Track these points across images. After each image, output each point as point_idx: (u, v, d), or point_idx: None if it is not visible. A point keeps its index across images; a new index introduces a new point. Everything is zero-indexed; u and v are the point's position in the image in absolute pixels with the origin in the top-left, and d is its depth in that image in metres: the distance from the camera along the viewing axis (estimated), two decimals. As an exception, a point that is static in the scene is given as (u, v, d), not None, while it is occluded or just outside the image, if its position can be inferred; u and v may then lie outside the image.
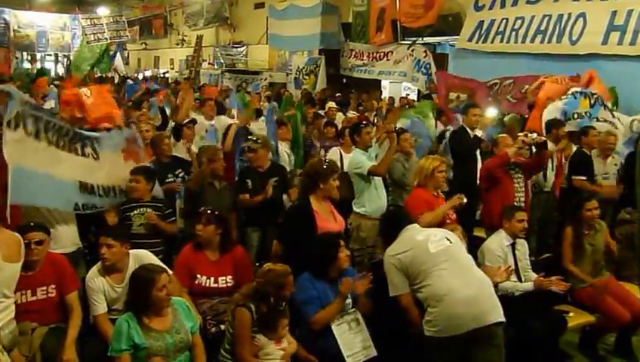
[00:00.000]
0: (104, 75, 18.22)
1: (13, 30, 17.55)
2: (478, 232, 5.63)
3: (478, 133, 6.36)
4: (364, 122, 6.30)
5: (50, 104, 8.78)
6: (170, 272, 3.64)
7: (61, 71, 22.12)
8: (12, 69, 16.70)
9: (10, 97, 4.28)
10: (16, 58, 19.44)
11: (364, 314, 3.90)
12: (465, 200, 4.89)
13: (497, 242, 4.69)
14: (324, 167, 4.43)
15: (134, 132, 5.49)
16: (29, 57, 22.32)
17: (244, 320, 3.46)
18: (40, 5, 21.64)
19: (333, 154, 6.41)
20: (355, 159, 5.57)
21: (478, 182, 5.84)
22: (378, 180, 5.66)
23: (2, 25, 17.41)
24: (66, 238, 4.42)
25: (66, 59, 22.98)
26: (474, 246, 4.70)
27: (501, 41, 10.15)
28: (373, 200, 5.58)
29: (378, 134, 6.09)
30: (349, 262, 3.99)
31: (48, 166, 4.38)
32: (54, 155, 4.45)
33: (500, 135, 6.07)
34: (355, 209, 5.56)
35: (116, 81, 18.17)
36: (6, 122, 4.22)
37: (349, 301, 3.86)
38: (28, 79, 14.22)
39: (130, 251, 3.94)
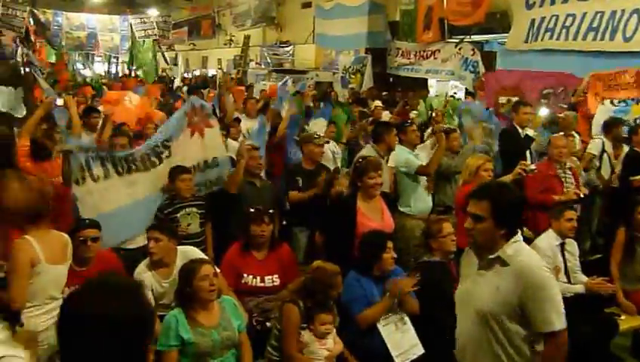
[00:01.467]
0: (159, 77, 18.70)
1: (66, 32, 18.14)
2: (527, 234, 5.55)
3: (530, 132, 6.18)
4: (408, 121, 6.30)
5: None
6: (218, 270, 3.69)
7: (113, 70, 22.85)
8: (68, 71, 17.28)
9: (72, 154, 4.47)
10: (72, 58, 20.09)
11: (411, 314, 3.88)
12: (532, 166, 4.86)
13: (546, 241, 4.63)
14: (357, 164, 4.47)
15: (197, 99, 5.43)
16: (82, 58, 23.10)
17: (292, 316, 3.50)
18: (92, 7, 22.35)
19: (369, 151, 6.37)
20: (401, 157, 5.56)
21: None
22: (424, 180, 5.65)
23: (56, 27, 18.01)
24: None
25: (116, 60, 23.68)
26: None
27: (551, 38, 9.89)
28: (419, 199, 5.58)
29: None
30: (393, 264, 3.96)
31: (122, 199, 4.61)
32: (128, 182, 4.66)
33: (554, 135, 5.92)
34: (400, 208, 5.56)
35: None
36: (74, 181, 4.44)
37: (395, 300, 3.84)
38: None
39: (178, 247, 4.04)
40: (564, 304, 4.09)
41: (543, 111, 8.11)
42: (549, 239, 4.64)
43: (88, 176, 4.49)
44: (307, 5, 19.61)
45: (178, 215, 4.70)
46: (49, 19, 17.76)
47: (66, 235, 3.58)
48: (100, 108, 7.52)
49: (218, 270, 3.71)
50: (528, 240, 4.87)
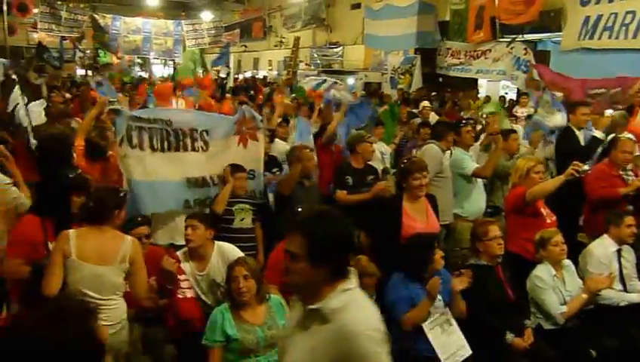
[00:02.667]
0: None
1: (123, 36, 18.73)
2: (582, 238, 5.40)
3: (597, 133, 5.89)
4: (463, 121, 6.20)
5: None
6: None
7: (166, 74, 23.47)
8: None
9: (118, 114, 4.63)
10: (130, 62, 20.76)
11: (458, 316, 3.84)
12: (586, 167, 4.66)
13: (602, 247, 4.52)
14: (402, 165, 4.45)
15: (248, 109, 5.45)
16: (141, 61, 23.85)
17: None
18: (148, 12, 22.99)
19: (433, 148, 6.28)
20: (458, 159, 5.52)
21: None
22: (480, 181, 5.59)
23: (114, 31, 18.62)
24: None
25: (172, 63, 24.33)
26: (578, 253, 4.58)
27: (609, 37, 9.59)
28: (473, 201, 5.52)
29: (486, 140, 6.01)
30: (442, 262, 3.93)
31: (153, 173, 4.69)
32: (159, 160, 4.74)
33: (622, 135, 5.69)
34: (452, 209, 5.52)
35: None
36: (119, 140, 4.60)
37: (441, 302, 3.80)
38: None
39: (216, 243, 4.10)
40: (618, 312, 4.05)
41: (608, 112, 7.75)
42: (604, 245, 4.53)
43: (126, 141, 4.62)
44: (356, 6, 19.64)
45: (233, 208, 4.82)
46: (108, 24, 18.42)
47: (129, 239, 3.51)
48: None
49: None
50: (584, 246, 4.80)
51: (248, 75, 24.74)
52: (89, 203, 3.52)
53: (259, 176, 5.31)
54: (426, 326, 3.71)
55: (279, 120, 7.50)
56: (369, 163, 5.78)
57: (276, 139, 6.89)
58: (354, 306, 1.99)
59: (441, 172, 5.41)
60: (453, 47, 14.01)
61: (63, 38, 18.24)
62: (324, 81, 11.90)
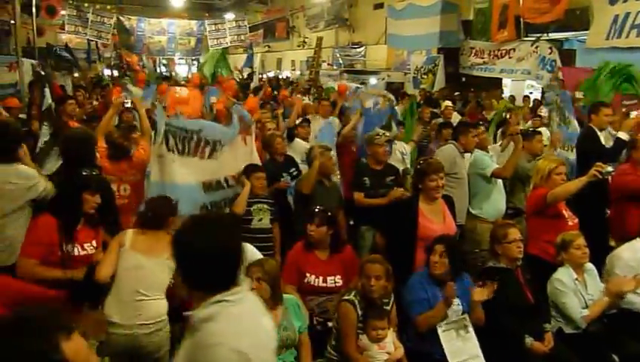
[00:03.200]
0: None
1: (148, 37, 18.97)
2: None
3: (623, 135, 5.75)
4: (479, 122, 6.17)
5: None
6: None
7: (185, 72, 23.74)
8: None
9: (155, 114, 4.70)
10: (153, 62, 21.02)
11: (475, 324, 3.78)
12: (609, 168, 4.54)
13: (631, 251, 4.43)
14: (418, 167, 4.42)
15: (240, 110, 5.52)
16: (166, 62, 24.12)
17: (347, 314, 3.51)
18: (173, 13, 23.26)
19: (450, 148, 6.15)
20: (478, 159, 5.48)
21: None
22: (499, 183, 5.53)
23: (140, 33, 18.87)
24: None
25: (196, 62, 24.54)
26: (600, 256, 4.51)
27: (637, 35, 9.42)
28: (492, 203, 5.46)
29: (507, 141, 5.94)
30: (441, 269, 3.79)
31: (174, 175, 4.76)
32: (180, 163, 4.80)
33: None
34: (471, 210, 5.47)
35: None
36: (159, 140, 4.69)
37: (459, 307, 3.75)
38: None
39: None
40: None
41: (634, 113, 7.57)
42: (635, 249, 4.45)
43: (164, 141, 4.70)
44: (379, 6, 19.57)
45: (252, 209, 4.87)
46: (133, 26, 18.67)
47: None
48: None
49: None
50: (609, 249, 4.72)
51: (271, 75, 24.84)
52: (147, 212, 3.76)
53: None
54: (440, 327, 3.67)
55: (299, 120, 7.51)
56: (389, 163, 5.74)
57: (296, 139, 6.90)
58: (224, 319, 1.88)
59: (456, 173, 5.36)
60: (477, 47, 13.87)
61: (90, 40, 18.57)
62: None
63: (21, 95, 8.81)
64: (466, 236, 5.32)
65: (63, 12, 17.81)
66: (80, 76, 16.35)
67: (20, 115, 7.78)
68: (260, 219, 4.87)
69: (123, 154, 5.18)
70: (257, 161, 5.43)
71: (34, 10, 12.85)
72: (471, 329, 3.73)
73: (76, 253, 3.67)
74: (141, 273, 3.54)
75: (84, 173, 4.07)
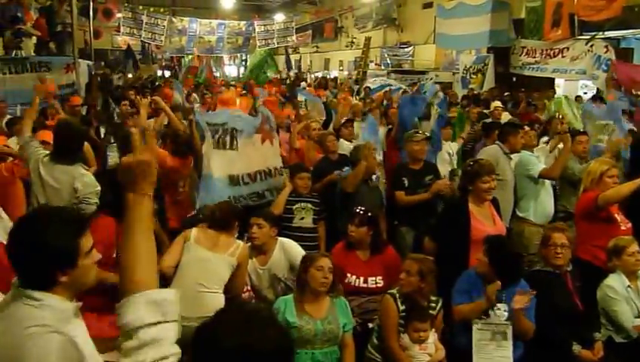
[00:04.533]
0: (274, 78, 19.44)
1: (198, 37, 19.31)
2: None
3: None
4: (525, 122, 6.04)
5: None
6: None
7: (235, 73, 24.11)
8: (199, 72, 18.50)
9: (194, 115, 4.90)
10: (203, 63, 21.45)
11: (521, 337, 3.58)
12: None
13: None
14: (469, 169, 4.34)
15: (267, 111, 5.73)
16: (213, 62, 24.53)
17: (387, 307, 3.52)
18: (224, 14, 23.62)
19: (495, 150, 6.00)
20: (524, 160, 5.35)
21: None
22: (548, 185, 5.39)
23: (191, 33, 19.22)
24: None
25: (243, 63, 24.90)
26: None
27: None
28: (540, 205, 5.32)
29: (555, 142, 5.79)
30: (483, 268, 3.66)
31: (218, 169, 5.02)
32: (215, 155, 5.04)
33: None
34: (518, 213, 5.34)
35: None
36: (207, 138, 4.96)
37: (505, 313, 3.55)
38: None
39: (279, 238, 4.21)
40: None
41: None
42: None
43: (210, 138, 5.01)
44: (428, 5, 19.37)
45: (293, 207, 4.92)
46: (185, 26, 19.05)
47: (242, 243, 3.97)
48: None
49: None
50: None
51: (319, 75, 24.93)
52: (215, 213, 3.98)
53: (278, 174, 5.48)
54: (476, 323, 3.53)
55: (343, 120, 7.51)
56: (428, 162, 5.68)
57: (341, 140, 6.90)
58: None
59: (499, 174, 5.25)
60: (529, 46, 13.53)
61: (144, 42, 19.08)
62: (389, 85, 11.82)
63: (78, 95, 9.15)
64: (512, 240, 5.20)
65: (118, 15, 18.38)
66: (134, 77, 16.83)
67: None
68: (302, 218, 4.90)
69: (187, 150, 5.35)
70: (279, 162, 5.59)
71: (91, 12, 13.29)
72: (510, 340, 3.52)
73: None
74: (204, 265, 3.74)
75: None
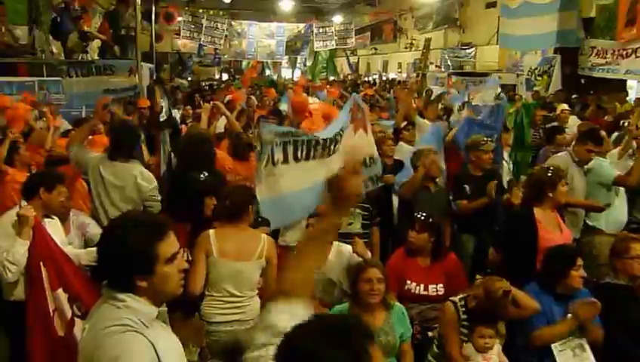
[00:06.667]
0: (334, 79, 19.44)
1: (257, 41, 19.51)
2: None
3: None
4: (597, 127, 5.73)
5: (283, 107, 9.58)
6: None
7: (297, 74, 24.27)
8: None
9: (263, 138, 4.68)
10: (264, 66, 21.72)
11: (593, 343, 3.50)
12: None
13: None
14: (549, 174, 4.15)
15: (357, 97, 5.53)
16: (271, 65, 24.82)
17: (447, 313, 3.44)
18: (282, 17, 23.81)
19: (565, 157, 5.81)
20: (596, 166, 5.12)
21: None
22: (622, 192, 5.14)
23: (251, 37, 19.44)
24: None
25: (301, 65, 25.00)
26: None
27: None
28: (613, 214, 5.12)
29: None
30: (581, 283, 3.59)
31: (294, 184, 4.73)
32: (304, 169, 4.80)
33: None
34: (589, 222, 5.14)
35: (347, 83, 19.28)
36: (264, 162, 4.67)
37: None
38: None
39: (335, 243, 4.09)
40: None
41: None
42: None
43: (270, 160, 4.68)
44: (492, 5, 18.83)
45: None
46: (244, 30, 19.30)
47: (265, 237, 3.77)
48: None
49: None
50: None
51: (376, 77, 24.76)
52: (225, 202, 3.75)
53: (377, 161, 5.26)
54: (555, 347, 3.43)
55: (404, 123, 7.35)
56: (490, 168, 5.51)
57: (400, 143, 6.75)
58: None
59: (568, 183, 5.00)
60: (599, 46, 12.88)
61: (202, 45, 19.46)
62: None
63: (141, 98, 9.38)
64: (582, 250, 4.94)
65: (179, 18, 18.82)
66: (194, 80, 17.18)
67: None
68: (350, 223, 4.79)
69: (248, 152, 5.34)
70: (374, 151, 5.36)
71: (153, 16, 13.63)
72: (588, 348, 3.48)
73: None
74: (235, 278, 3.62)
75: (202, 177, 4.22)
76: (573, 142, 5.37)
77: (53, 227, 3.73)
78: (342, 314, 3.14)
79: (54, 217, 3.82)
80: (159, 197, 4.62)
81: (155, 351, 1.82)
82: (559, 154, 5.46)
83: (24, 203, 3.63)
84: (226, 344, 3.56)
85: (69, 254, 3.57)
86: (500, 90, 7.14)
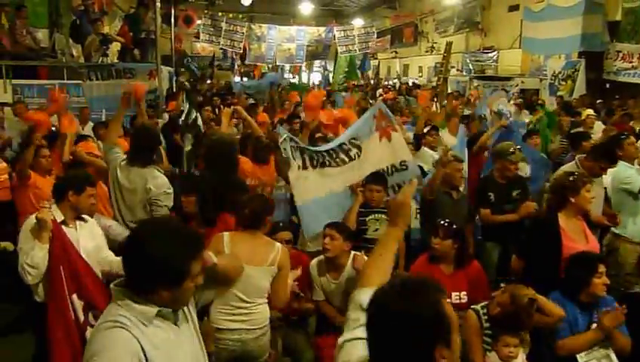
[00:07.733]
0: (356, 83, 19.37)
1: (277, 45, 19.51)
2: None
3: None
4: (625, 132, 5.60)
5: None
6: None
7: (316, 78, 24.27)
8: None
9: (284, 140, 4.71)
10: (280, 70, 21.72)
11: (619, 352, 3.42)
12: None
13: None
14: (571, 179, 4.05)
15: (382, 105, 5.52)
16: (291, 69, 24.84)
17: (469, 321, 3.38)
18: (301, 21, 23.83)
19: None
20: (622, 173, 5.00)
21: None
22: None
23: (271, 41, 19.44)
24: None
25: (323, 70, 24.97)
26: None
27: None
28: (639, 221, 4.96)
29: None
30: (604, 291, 3.49)
31: (318, 190, 4.82)
32: (324, 176, 4.87)
33: None
34: (614, 230, 5.02)
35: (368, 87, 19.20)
36: (292, 163, 4.73)
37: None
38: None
39: (353, 252, 4.06)
40: None
41: None
42: None
43: (294, 162, 4.77)
44: (514, 8, 18.62)
45: (367, 219, 4.77)
46: (264, 33, 19.30)
47: (279, 245, 3.72)
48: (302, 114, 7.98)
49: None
50: None
51: (395, 81, 24.64)
52: (244, 211, 3.70)
53: (413, 167, 5.27)
54: (581, 357, 3.37)
55: (427, 128, 7.26)
56: (514, 175, 5.39)
57: (424, 148, 6.67)
58: None
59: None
60: (625, 50, 12.68)
61: (222, 49, 19.51)
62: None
63: (160, 101, 9.42)
64: (606, 257, 4.84)
65: (198, 21, 18.89)
66: (212, 83, 17.23)
67: (159, 120, 8.29)
68: (376, 230, 4.74)
69: (268, 156, 5.35)
70: (409, 153, 5.37)
71: (172, 20, 13.67)
72: (614, 358, 3.41)
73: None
74: (246, 281, 3.56)
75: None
76: (584, 155, 5.19)
77: (85, 230, 3.73)
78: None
79: (88, 219, 3.81)
80: (166, 203, 4.56)
81: (142, 348, 1.82)
82: (569, 164, 5.33)
83: (54, 206, 3.64)
84: (234, 353, 3.52)
85: (106, 261, 3.63)
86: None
